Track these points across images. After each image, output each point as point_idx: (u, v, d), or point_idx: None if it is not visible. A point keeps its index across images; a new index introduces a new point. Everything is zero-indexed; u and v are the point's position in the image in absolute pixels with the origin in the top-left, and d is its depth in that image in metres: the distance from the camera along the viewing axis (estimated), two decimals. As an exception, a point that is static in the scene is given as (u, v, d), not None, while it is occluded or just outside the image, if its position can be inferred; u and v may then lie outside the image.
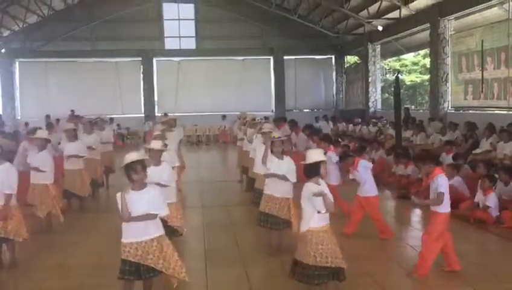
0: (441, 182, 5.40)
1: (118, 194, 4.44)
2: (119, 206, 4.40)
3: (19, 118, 24.24)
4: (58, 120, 20.31)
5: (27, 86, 25.05)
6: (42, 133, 7.72)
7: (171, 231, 5.82)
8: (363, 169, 7.00)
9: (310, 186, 4.64)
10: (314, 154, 4.79)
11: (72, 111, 21.26)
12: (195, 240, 7.12)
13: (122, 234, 4.44)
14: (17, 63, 25.07)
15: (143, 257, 4.41)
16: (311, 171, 4.73)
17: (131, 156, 4.44)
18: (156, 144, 6.00)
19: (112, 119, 20.61)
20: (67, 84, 24.58)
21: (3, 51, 23.84)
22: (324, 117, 22.21)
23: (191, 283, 5.36)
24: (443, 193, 5.36)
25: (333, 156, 8.18)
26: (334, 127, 21.08)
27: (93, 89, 24.61)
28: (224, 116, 23.02)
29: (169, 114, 15.16)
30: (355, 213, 7.08)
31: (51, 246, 6.97)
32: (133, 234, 4.41)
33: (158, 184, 5.23)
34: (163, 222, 5.49)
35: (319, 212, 4.59)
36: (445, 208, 5.44)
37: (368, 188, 7.01)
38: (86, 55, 25.07)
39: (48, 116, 21.39)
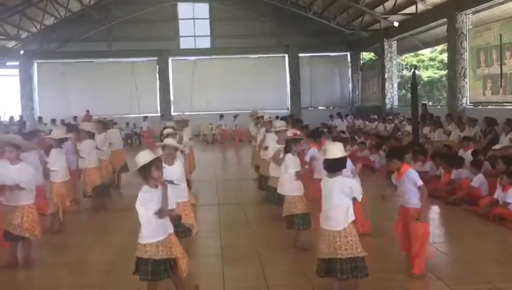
0: (415, 176, 5.31)
1: (146, 193, 4.34)
2: (144, 204, 4.29)
3: (36, 118, 24.60)
4: (53, 120, 20.83)
5: (45, 87, 25.45)
6: (53, 134, 7.84)
7: (184, 229, 5.88)
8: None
9: (348, 179, 4.70)
10: (337, 150, 4.74)
11: (87, 111, 21.62)
12: (212, 237, 7.13)
13: (148, 235, 4.35)
14: (35, 65, 25.45)
15: (173, 252, 4.48)
16: (337, 166, 4.69)
17: (148, 156, 4.40)
18: (172, 141, 6.02)
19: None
20: (85, 85, 24.90)
21: (21, 52, 24.22)
22: (338, 115, 22.07)
23: (208, 279, 5.38)
24: (424, 185, 5.31)
25: (315, 152, 8.01)
26: (350, 124, 20.95)
27: (110, 89, 24.89)
28: (221, 116, 22.96)
29: (182, 113, 15.12)
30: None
31: (68, 244, 7.02)
32: (160, 233, 4.41)
33: (170, 182, 5.24)
34: (178, 219, 5.54)
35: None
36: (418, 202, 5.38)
37: None
38: (103, 56, 25.36)
39: (40, 118, 21.84)
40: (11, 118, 22.46)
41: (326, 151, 4.77)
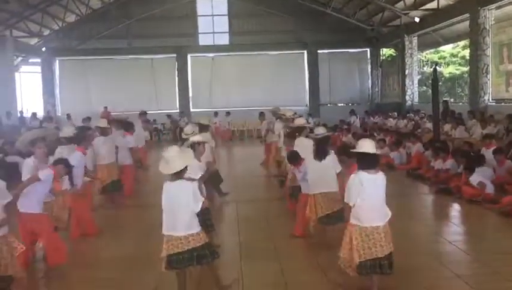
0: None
1: (194, 184, 4.60)
2: (200, 193, 4.62)
3: (59, 114, 24.99)
4: (51, 118, 21.07)
5: (67, 84, 25.82)
6: (63, 133, 7.93)
7: (212, 223, 6.02)
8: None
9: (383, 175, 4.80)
10: (370, 146, 4.70)
11: (105, 108, 21.88)
12: (230, 233, 7.15)
13: (198, 224, 4.61)
14: (57, 61, 25.82)
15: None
16: (369, 162, 4.68)
17: (187, 158, 4.66)
18: (204, 137, 6.08)
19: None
20: (105, 81, 25.19)
21: (43, 49, 24.60)
22: (352, 112, 21.77)
23: (226, 275, 5.39)
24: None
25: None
26: (368, 121, 20.76)
27: (129, 85, 25.09)
28: (216, 113, 22.51)
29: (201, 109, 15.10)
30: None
31: (85, 240, 7.06)
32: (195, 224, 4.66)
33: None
34: (208, 213, 5.82)
35: None
36: None
37: (305, 186, 6.66)
38: (123, 53, 25.62)
39: (34, 114, 22.11)
40: (34, 114, 22.83)
41: (359, 146, 4.76)
